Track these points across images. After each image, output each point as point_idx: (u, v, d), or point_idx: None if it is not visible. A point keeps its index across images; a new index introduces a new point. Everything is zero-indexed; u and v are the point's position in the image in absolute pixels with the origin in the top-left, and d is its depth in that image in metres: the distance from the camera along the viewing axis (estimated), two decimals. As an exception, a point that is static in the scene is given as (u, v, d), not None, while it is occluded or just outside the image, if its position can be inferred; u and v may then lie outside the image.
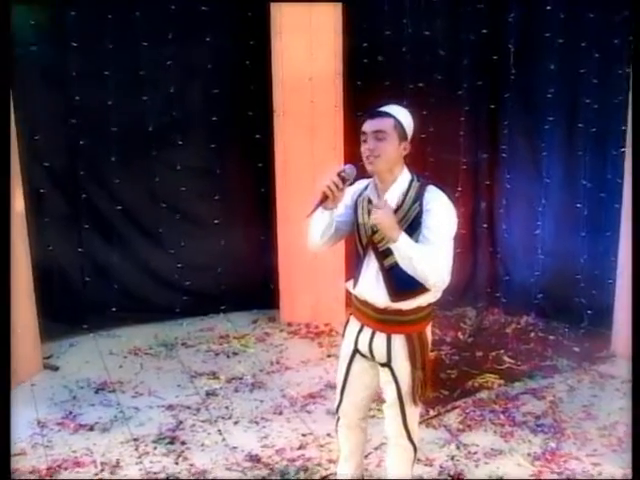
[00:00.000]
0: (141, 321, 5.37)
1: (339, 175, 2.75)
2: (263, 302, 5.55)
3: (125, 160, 5.18)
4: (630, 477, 3.08)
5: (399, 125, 2.78)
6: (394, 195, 2.78)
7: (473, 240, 5.58)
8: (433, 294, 2.84)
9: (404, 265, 2.70)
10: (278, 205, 5.23)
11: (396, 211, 2.74)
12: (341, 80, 5.09)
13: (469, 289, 5.62)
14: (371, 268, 2.84)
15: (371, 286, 2.84)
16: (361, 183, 2.93)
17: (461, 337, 5.17)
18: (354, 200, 2.94)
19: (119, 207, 5.28)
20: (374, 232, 2.80)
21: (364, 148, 2.76)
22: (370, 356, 2.94)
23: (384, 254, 2.80)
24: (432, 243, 2.69)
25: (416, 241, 2.71)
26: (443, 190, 2.82)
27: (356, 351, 2.97)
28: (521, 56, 5.16)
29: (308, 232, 2.88)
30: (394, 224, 2.67)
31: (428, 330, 2.96)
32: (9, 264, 3.32)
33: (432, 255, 2.68)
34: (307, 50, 5.02)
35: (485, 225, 5.58)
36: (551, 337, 5.11)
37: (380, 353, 2.91)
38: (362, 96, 5.02)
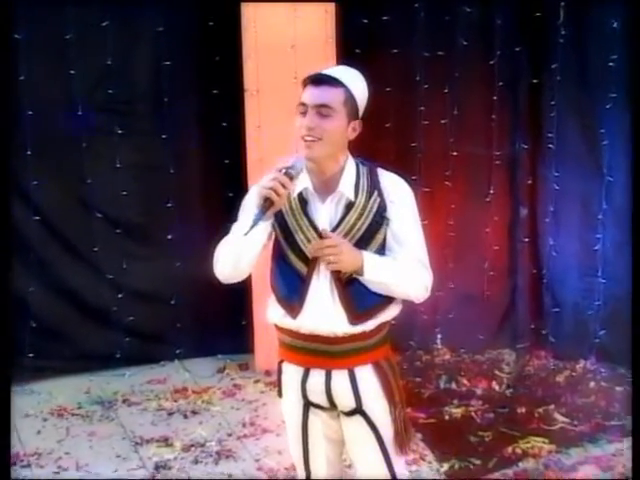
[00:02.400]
0: (68, 371, 5.33)
1: (286, 172, 2.71)
2: (232, 344, 5.58)
3: (45, 154, 5.17)
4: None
5: (351, 99, 2.77)
6: (346, 188, 2.80)
7: (511, 259, 5.58)
8: (399, 304, 2.90)
9: (378, 290, 2.79)
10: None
11: (349, 209, 2.79)
12: (334, 47, 5.08)
13: (506, 325, 5.64)
14: (320, 287, 2.82)
15: (322, 311, 2.82)
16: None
17: (497, 388, 5.18)
18: None
19: (37, 218, 5.25)
20: (322, 237, 2.78)
21: (301, 124, 2.74)
22: (329, 405, 2.92)
23: None
24: (407, 247, 2.80)
25: (384, 241, 2.80)
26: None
27: (308, 405, 2.94)
28: (574, 12, 5.15)
29: (227, 257, 2.84)
30: (353, 257, 2.72)
31: None
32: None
33: (410, 268, 2.79)
34: (289, 8, 5.03)
35: (526, 239, 5.56)
36: (618, 388, 5.07)
37: (344, 398, 2.89)
38: (361, 68, 4.84)
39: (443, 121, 5.30)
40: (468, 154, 5.41)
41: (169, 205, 5.43)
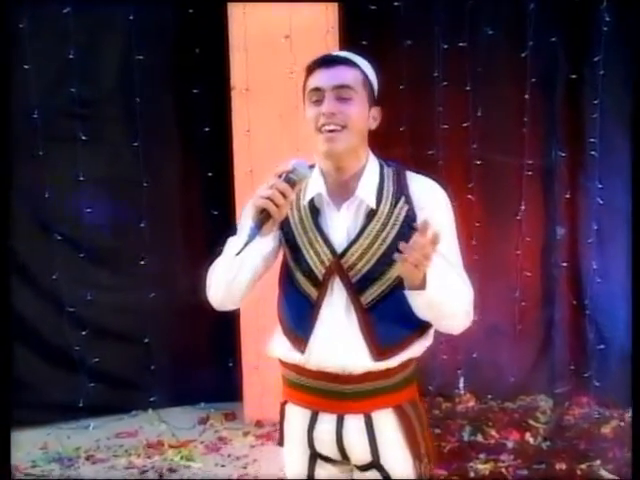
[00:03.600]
0: (20, 423, 5.19)
1: (286, 178, 2.64)
2: (216, 390, 5.55)
3: (-7, 164, 5.14)
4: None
5: (367, 80, 2.75)
6: (366, 193, 2.75)
7: (546, 287, 5.54)
8: (429, 336, 2.84)
9: (425, 314, 2.71)
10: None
11: (370, 218, 2.74)
12: (336, 38, 5.09)
13: (541, 365, 5.59)
14: (334, 315, 2.78)
15: (335, 344, 2.78)
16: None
17: (531, 441, 5.13)
18: None
19: (-15, 240, 5.21)
20: (341, 255, 2.76)
21: (317, 113, 2.71)
22: (341, 457, 2.87)
23: (359, 288, 2.76)
24: (446, 262, 2.71)
25: None
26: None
27: (315, 457, 2.89)
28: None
29: (219, 280, 2.81)
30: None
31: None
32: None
33: (458, 284, 2.72)
34: None
35: (565, 263, 5.52)
36: (676, 440, 5.08)
37: (359, 449, 2.83)
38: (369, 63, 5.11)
39: (465, 124, 5.26)
40: (494, 163, 5.38)
41: (142, 225, 5.38)
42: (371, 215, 2.74)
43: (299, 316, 2.83)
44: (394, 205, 2.74)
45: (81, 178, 5.26)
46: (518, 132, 5.38)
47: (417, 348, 2.81)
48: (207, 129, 5.33)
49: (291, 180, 2.63)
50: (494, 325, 5.41)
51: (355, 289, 2.75)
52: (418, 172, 2.80)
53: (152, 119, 5.34)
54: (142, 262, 5.40)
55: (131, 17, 5.19)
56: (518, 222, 5.38)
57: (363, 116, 2.73)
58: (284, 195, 2.60)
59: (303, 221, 2.80)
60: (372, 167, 2.79)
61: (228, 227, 5.19)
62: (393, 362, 2.76)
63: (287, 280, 2.86)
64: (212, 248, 5.19)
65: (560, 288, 5.54)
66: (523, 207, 5.37)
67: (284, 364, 2.89)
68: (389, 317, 2.72)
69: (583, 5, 5.22)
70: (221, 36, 5.13)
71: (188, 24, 5.27)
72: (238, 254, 2.62)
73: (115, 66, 5.33)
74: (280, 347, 2.87)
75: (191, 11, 5.23)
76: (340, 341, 2.76)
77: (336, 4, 5.11)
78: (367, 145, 2.79)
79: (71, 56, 5.17)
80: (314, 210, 2.79)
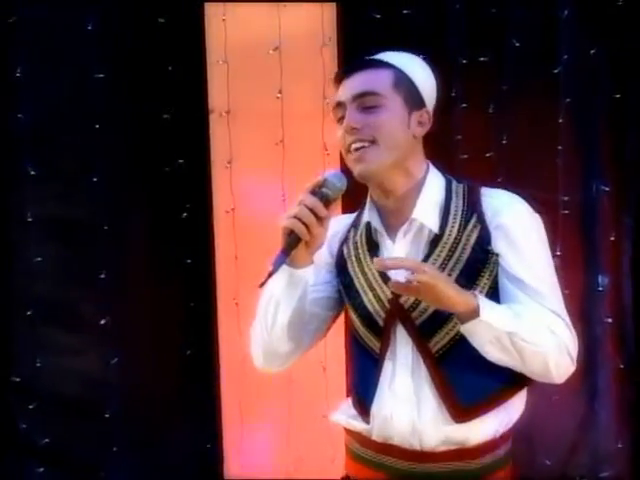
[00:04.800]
0: None
1: (317, 192, 2.60)
2: (192, 477, 5.45)
3: None
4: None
5: (405, 80, 2.73)
6: (425, 215, 2.74)
7: (587, 348, 5.26)
8: (523, 397, 2.82)
9: (499, 358, 2.63)
10: (219, 289, 5.32)
11: (434, 245, 2.72)
12: (335, 50, 5.10)
13: (583, 445, 5.39)
14: (400, 370, 2.77)
15: (405, 405, 2.74)
16: (344, 218, 2.97)
17: None
18: (337, 250, 2.93)
19: None
20: (398, 295, 2.72)
21: (342, 132, 2.73)
22: None
23: (426, 332, 2.72)
24: (530, 292, 2.68)
25: (492, 285, 2.70)
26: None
27: None
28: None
29: (255, 329, 2.83)
30: (456, 292, 2.55)
31: None
32: None
33: (546, 322, 2.64)
34: None
35: (609, 319, 5.35)
36: None
37: None
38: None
39: (488, 154, 5.14)
40: (523, 199, 5.18)
41: (102, 276, 5.26)
42: (435, 241, 2.69)
43: (363, 376, 2.83)
44: (463, 227, 2.70)
45: (29, 219, 5.16)
46: (551, 163, 5.22)
47: (508, 414, 2.75)
48: (181, 161, 5.20)
49: (323, 195, 2.58)
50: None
51: (421, 334, 2.69)
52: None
53: (114, 149, 5.22)
54: (102, 321, 5.26)
55: (89, 27, 5.08)
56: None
57: (398, 124, 2.68)
58: (314, 213, 2.54)
59: (360, 260, 2.79)
60: (433, 183, 2.76)
61: (205, 279, 5.17)
62: (476, 434, 2.69)
63: (353, 337, 2.87)
64: (186, 303, 5.25)
65: (604, 349, 5.37)
66: (559, 252, 5.13)
67: (348, 432, 2.90)
68: (466, 366, 2.64)
69: (629, 10, 5.11)
70: (198, 49, 5.09)
71: (158, 35, 5.16)
72: (261, 285, 2.57)
73: (70, 86, 5.22)
74: (344, 413, 2.89)
75: (162, 20, 5.14)
76: (408, 401, 2.71)
77: (334, 11, 5.06)
78: (422, 156, 2.79)
79: (18, 74, 5.09)
80: (371, 244, 2.78)
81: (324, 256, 2.88)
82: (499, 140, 5.10)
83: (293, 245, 2.57)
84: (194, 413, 5.40)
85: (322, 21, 5.08)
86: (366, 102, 2.68)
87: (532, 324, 2.61)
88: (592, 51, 5.12)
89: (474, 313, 2.52)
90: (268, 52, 5.04)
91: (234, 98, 5.13)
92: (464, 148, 5.17)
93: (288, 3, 5.10)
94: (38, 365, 5.20)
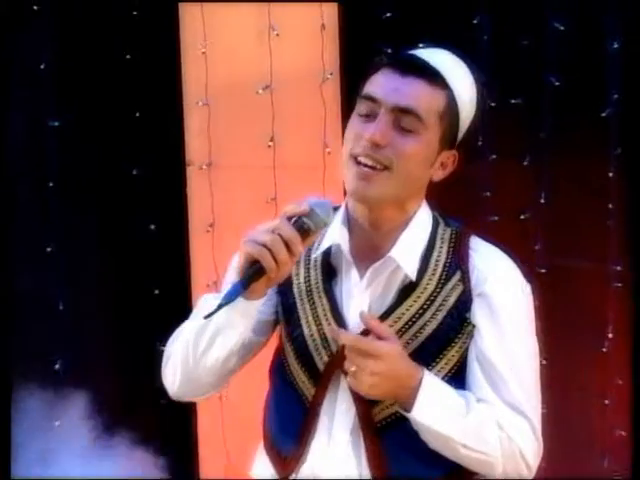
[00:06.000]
0: None
1: (297, 222, 2.52)
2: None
3: None
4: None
5: (452, 110, 2.67)
6: (404, 256, 2.68)
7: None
8: None
9: (438, 447, 2.60)
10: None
11: (406, 294, 2.66)
12: (338, 87, 5.11)
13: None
14: (335, 429, 2.71)
15: (344, 468, 2.69)
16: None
17: None
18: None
19: None
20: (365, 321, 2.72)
21: (358, 130, 2.62)
22: None
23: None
24: (501, 382, 2.64)
25: (459, 362, 2.67)
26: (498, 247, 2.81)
27: None
28: None
29: (177, 356, 2.76)
30: (401, 373, 2.53)
31: None
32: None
33: (499, 423, 2.60)
34: (259, 19, 5.05)
35: None
36: None
37: None
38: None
39: (523, 215, 5.02)
40: (566, 271, 5.13)
41: (57, 366, 5.24)
42: (408, 289, 2.63)
43: (287, 424, 2.77)
44: (443, 282, 2.64)
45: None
46: (600, 226, 5.09)
47: None
48: (152, 227, 5.11)
49: (304, 227, 2.48)
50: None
51: (363, 402, 2.61)
52: (487, 240, 2.76)
53: (74, 212, 5.13)
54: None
55: (42, 66, 4.97)
56: (604, 355, 5.09)
57: (424, 160, 2.62)
58: (289, 247, 2.44)
59: (310, 282, 2.70)
60: (421, 222, 2.71)
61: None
62: None
63: (279, 369, 2.82)
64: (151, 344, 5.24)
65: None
66: (611, 335, 5.07)
67: None
68: (408, 446, 2.59)
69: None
70: (172, 88, 5.06)
71: (126, 72, 5.02)
72: (208, 317, 2.48)
73: (20, 130, 5.10)
74: (262, 468, 2.85)
75: (129, 57, 5.01)
76: (345, 463, 2.67)
77: (336, 39, 5.02)
78: (423, 196, 2.75)
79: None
80: (328, 268, 2.70)
81: None
82: (536, 198, 5.01)
83: (255, 278, 2.46)
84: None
85: (322, 52, 5.05)
86: (404, 121, 2.57)
87: (481, 426, 2.56)
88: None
89: (411, 399, 2.49)
90: (257, 91, 5.02)
91: (216, 148, 5.11)
92: (494, 207, 5.09)
93: (281, 31, 5.03)
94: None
